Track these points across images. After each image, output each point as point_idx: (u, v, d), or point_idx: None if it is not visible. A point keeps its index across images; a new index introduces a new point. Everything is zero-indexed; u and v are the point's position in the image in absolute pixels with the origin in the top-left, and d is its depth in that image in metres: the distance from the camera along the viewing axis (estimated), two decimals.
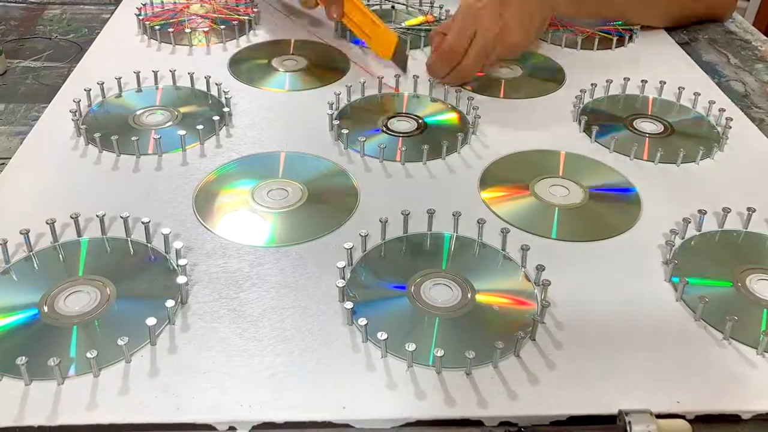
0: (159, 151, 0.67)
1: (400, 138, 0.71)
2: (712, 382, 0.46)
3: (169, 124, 0.72)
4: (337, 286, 0.51)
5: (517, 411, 0.44)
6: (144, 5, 0.94)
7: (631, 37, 0.93)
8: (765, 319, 0.51)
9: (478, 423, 0.44)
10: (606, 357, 0.48)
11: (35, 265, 0.54)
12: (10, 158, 0.67)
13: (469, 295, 0.52)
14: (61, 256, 0.55)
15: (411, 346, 0.46)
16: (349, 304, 0.49)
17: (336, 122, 0.71)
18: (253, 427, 0.43)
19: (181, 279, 0.50)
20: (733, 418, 0.45)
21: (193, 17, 0.94)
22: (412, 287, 0.52)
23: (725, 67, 0.90)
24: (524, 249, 0.55)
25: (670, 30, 0.98)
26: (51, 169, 0.65)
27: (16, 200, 0.61)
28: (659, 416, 0.44)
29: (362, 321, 0.48)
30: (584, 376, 0.47)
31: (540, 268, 0.53)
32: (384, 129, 0.72)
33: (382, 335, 0.46)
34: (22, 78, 0.83)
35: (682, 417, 0.44)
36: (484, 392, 0.45)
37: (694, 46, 0.95)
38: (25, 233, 0.54)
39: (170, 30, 0.88)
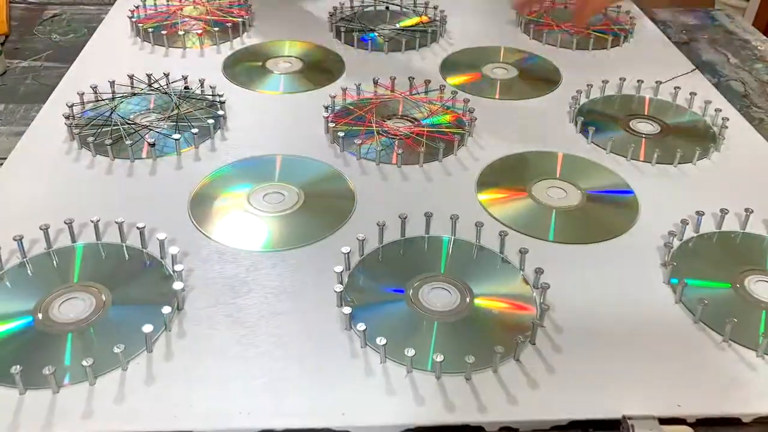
0: (153, 156, 0.67)
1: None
2: (713, 385, 0.46)
3: (164, 127, 0.71)
4: (335, 291, 0.51)
5: (518, 416, 0.44)
6: (137, 7, 0.94)
7: (626, 37, 0.93)
8: (764, 321, 0.51)
9: (478, 429, 0.44)
10: (605, 360, 0.48)
11: (29, 271, 0.53)
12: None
13: (467, 299, 0.51)
14: (55, 262, 0.54)
15: (410, 352, 0.45)
16: (347, 310, 0.49)
17: (332, 125, 0.70)
18: None
19: (177, 285, 0.50)
20: (734, 421, 0.45)
21: (186, 19, 0.93)
22: (411, 291, 0.52)
23: (725, 67, 0.90)
24: (522, 252, 0.54)
25: (668, 30, 0.98)
26: (44, 174, 0.64)
27: (8, 206, 0.60)
28: (661, 421, 0.43)
29: (361, 326, 0.47)
30: (584, 380, 0.46)
31: (539, 272, 0.53)
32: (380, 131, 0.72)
33: (381, 340, 0.46)
34: (22, 78, 0.82)
35: (683, 420, 0.44)
36: (484, 397, 0.45)
37: (693, 45, 0.95)
38: (19, 239, 0.54)
39: (163, 32, 0.88)
